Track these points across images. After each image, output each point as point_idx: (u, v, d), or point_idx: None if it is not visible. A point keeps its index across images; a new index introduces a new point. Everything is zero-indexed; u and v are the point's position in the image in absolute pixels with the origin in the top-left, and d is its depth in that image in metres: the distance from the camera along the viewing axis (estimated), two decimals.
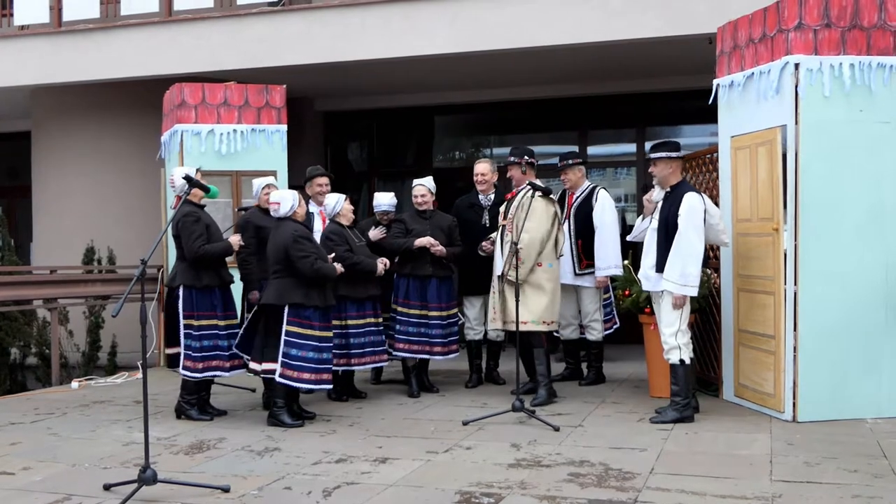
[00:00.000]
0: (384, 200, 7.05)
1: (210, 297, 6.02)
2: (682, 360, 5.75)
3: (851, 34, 5.66)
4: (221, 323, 6.07)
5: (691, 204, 5.67)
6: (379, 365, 6.87)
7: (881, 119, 5.70)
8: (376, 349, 6.63)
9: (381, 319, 6.71)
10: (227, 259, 6.20)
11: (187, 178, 4.75)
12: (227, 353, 6.07)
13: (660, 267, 5.78)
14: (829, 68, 5.62)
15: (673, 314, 5.75)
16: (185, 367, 5.98)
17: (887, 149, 5.70)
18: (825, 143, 5.64)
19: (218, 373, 6.09)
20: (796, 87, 5.62)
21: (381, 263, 6.48)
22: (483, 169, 7.27)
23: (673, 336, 5.76)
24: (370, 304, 6.57)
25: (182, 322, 5.94)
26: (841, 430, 5.37)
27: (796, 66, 5.62)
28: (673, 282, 5.69)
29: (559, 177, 7.40)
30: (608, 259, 7.02)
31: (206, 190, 5.00)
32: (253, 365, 5.96)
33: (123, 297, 4.09)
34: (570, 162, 7.26)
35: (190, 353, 5.96)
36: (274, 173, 8.38)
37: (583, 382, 7.25)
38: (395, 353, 6.84)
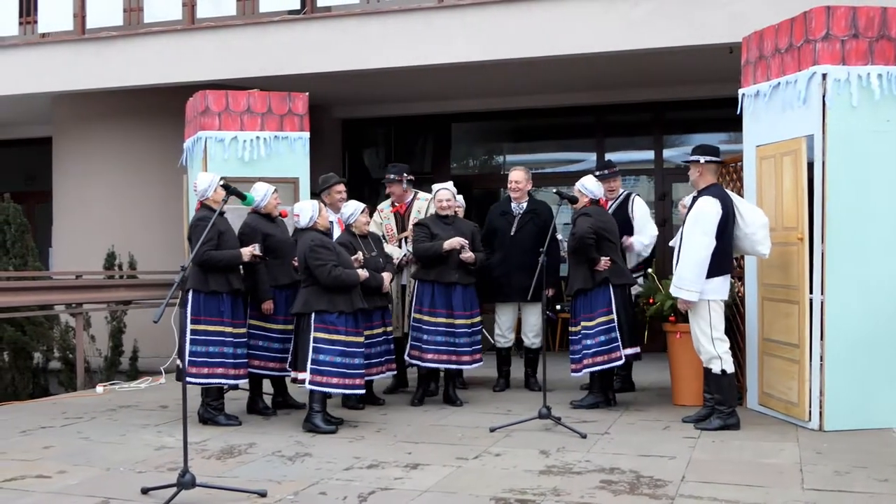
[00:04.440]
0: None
1: (217, 302, 5.99)
2: (723, 371, 5.75)
3: (879, 44, 5.69)
4: (229, 330, 6.02)
5: (701, 208, 5.72)
6: (388, 375, 6.76)
7: None
8: (385, 359, 6.59)
9: (389, 328, 6.68)
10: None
11: (226, 187, 4.81)
12: (232, 361, 6.02)
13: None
14: (857, 78, 5.64)
15: (700, 321, 5.78)
16: (188, 374, 5.84)
17: None
18: (852, 152, 5.67)
19: (222, 381, 6.06)
20: (823, 97, 5.66)
21: (387, 279, 6.50)
22: (518, 177, 7.31)
23: (710, 344, 5.77)
24: (378, 315, 6.56)
25: (188, 327, 5.90)
26: (868, 440, 5.39)
27: (824, 76, 5.65)
28: (674, 285, 5.78)
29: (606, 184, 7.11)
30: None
31: (242, 197, 5.05)
32: (293, 374, 6.03)
33: (164, 302, 4.13)
34: (618, 170, 7.37)
35: (193, 358, 5.92)
36: (296, 180, 8.43)
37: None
38: (422, 363, 6.70)
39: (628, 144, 11.78)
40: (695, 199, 5.90)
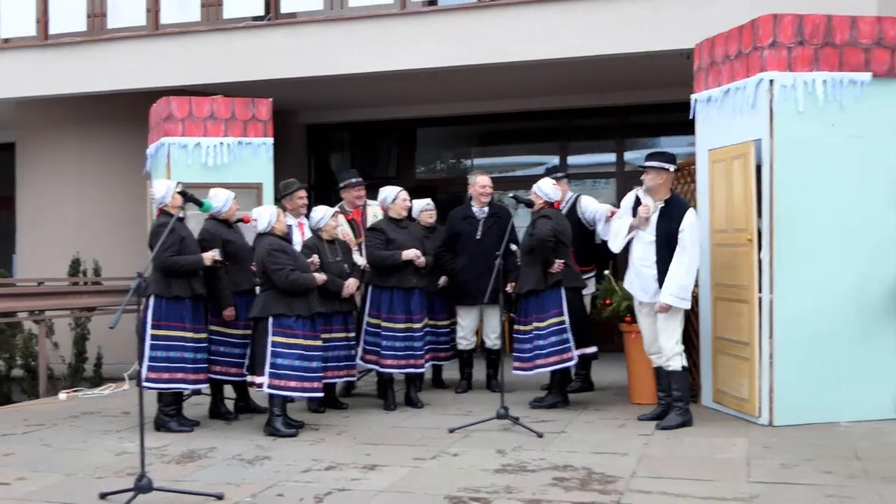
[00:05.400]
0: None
1: (179, 308, 6.03)
2: (683, 367, 5.93)
3: (824, 51, 5.87)
4: (189, 335, 6.06)
5: (692, 221, 5.89)
6: (348, 380, 6.81)
7: (853, 133, 5.90)
8: (344, 364, 6.61)
9: (351, 334, 6.69)
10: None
11: (183, 193, 4.86)
12: (192, 367, 6.06)
13: (661, 280, 5.90)
14: (803, 84, 5.82)
15: (673, 323, 5.92)
16: (147, 379, 5.86)
17: (858, 162, 5.91)
18: (799, 156, 5.84)
19: (181, 386, 6.10)
20: (771, 102, 5.82)
21: (347, 287, 6.48)
22: (489, 181, 7.40)
23: (675, 343, 5.93)
24: (339, 319, 6.59)
25: (149, 332, 5.92)
26: (816, 434, 5.55)
27: (771, 82, 5.82)
28: (673, 295, 5.84)
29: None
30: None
31: (199, 204, 5.10)
32: (250, 378, 6.07)
33: (121, 309, 4.20)
34: (567, 174, 7.48)
35: (153, 363, 5.93)
36: (259, 186, 8.48)
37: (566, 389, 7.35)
38: (381, 369, 6.74)
39: (591, 148, 11.92)
40: (664, 210, 5.92)
